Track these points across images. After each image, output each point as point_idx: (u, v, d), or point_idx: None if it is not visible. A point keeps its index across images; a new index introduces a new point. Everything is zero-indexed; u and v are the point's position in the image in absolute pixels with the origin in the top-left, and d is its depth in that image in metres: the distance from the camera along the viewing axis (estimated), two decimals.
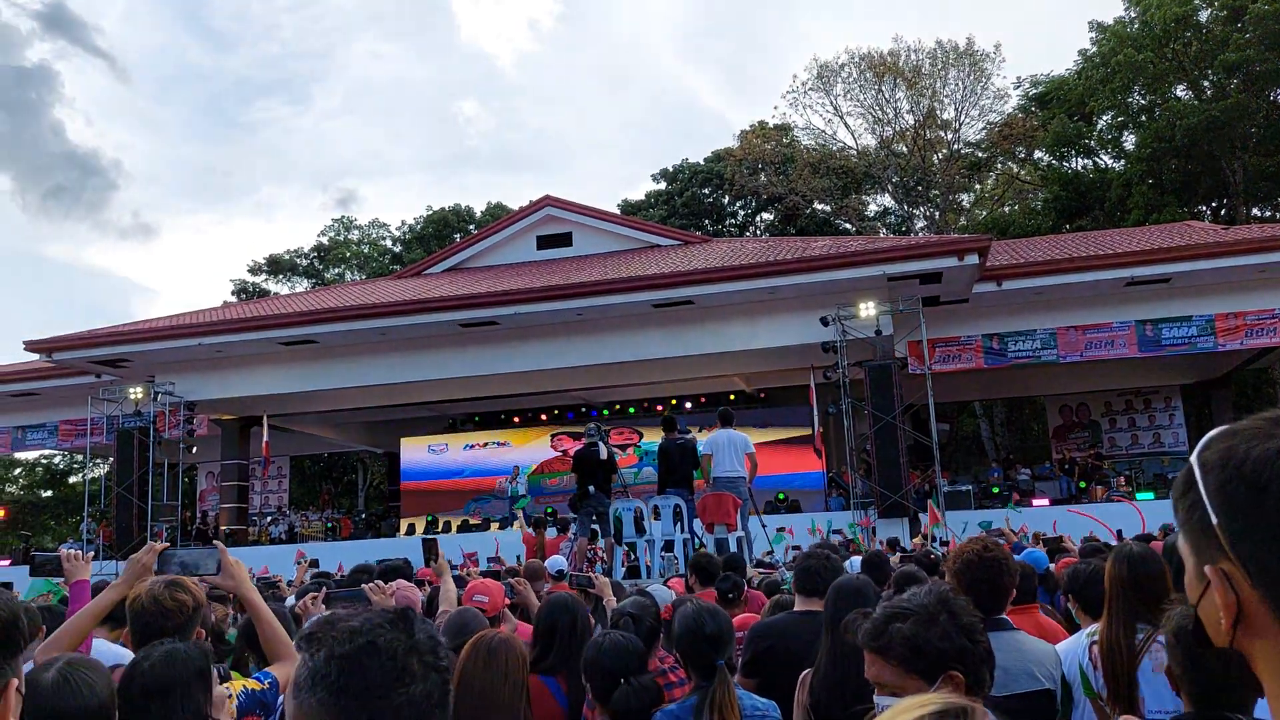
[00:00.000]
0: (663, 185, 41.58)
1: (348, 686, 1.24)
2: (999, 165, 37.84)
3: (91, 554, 4.20)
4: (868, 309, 17.49)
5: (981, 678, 2.03)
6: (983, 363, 19.53)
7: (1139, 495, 18.56)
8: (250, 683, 3.14)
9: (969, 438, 32.53)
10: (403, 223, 44.93)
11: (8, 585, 12.31)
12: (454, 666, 1.34)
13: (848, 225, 37.87)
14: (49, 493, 40.24)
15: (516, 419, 26.06)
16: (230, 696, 3.00)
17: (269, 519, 25.63)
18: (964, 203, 39.35)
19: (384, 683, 1.24)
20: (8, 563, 23.02)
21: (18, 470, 40.39)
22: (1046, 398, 25.01)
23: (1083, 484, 20.05)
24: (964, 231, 33.12)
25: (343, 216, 50.72)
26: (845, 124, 39.09)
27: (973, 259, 17.05)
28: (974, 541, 3.75)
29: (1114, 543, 9.84)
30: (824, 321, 17.74)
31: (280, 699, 3.14)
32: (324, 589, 4.31)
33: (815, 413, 19.54)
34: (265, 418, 22.98)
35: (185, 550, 3.37)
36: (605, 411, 25.26)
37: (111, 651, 3.54)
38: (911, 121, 36.81)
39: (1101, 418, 24.23)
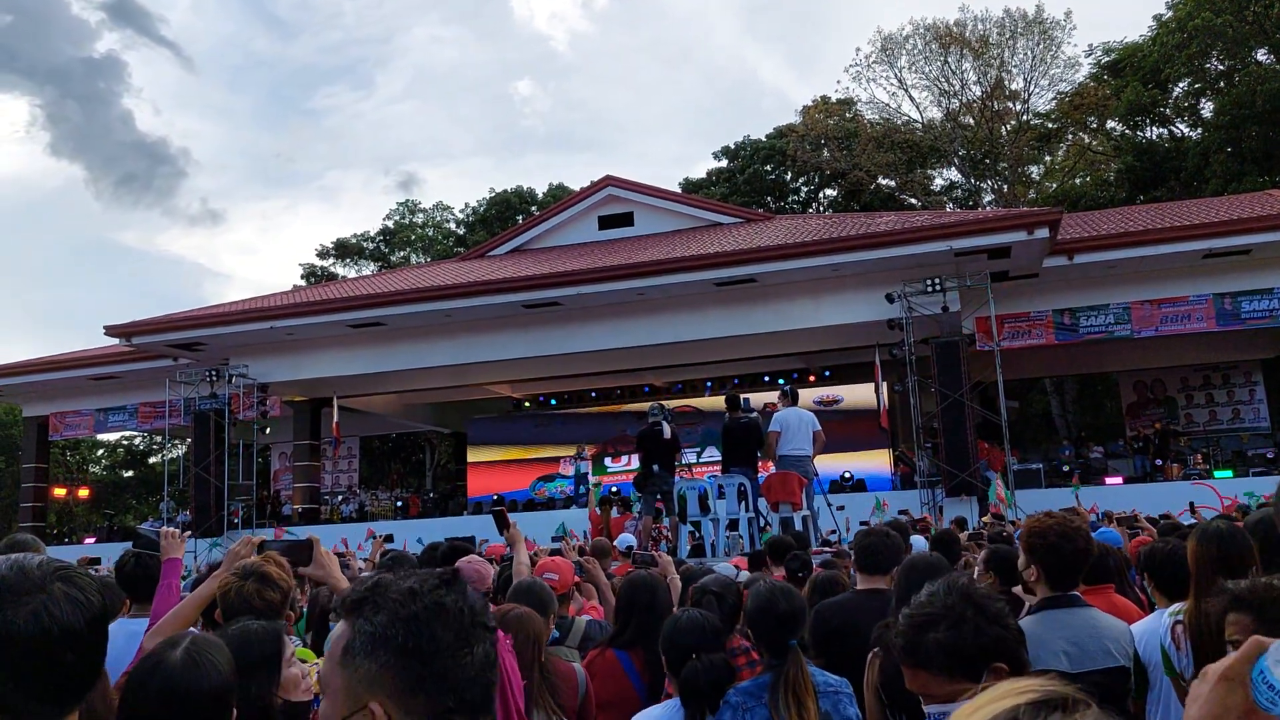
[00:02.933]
0: (724, 163, 41.31)
1: (416, 648, 1.22)
2: (1070, 136, 36.84)
3: (188, 533, 4.31)
4: (934, 284, 17.21)
5: (1022, 660, 2.01)
6: (1053, 339, 19.11)
7: (1216, 473, 18.05)
8: None
9: (1039, 415, 31.91)
10: (466, 205, 45.40)
11: (95, 560, 12.75)
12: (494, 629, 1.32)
13: (913, 200, 37.25)
14: (130, 473, 41.61)
15: (580, 399, 26.23)
16: (314, 673, 3.09)
17: (340, 498, 26.20)
18: (1033, 175, 38.45)
19: (453, 644, 1.23)
20: (93, 539, 23.92)
21: (100, 451, 41.81)
22: (1120, 374, 24.41)
23: (1158, 462, 19.55)
24: (1034, 205, 32.35)
25: (407, 200, 51.38)
26: (910, 97, 38.40)
27: (1043, 233, 16.67)
28: (1049, 515, 3.68)
29: (1190, 521, 9.60)
30: (889, 298, 17.52)
31: None
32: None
33: (881, 391, 19.34)
34: (335, 399, 23.45)
35: (280, 542, 3.42)
36: (669, 391, 25.29)
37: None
38: (978, 93, 36.02)
39: (1178, 393, 23.58)
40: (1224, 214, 18.42)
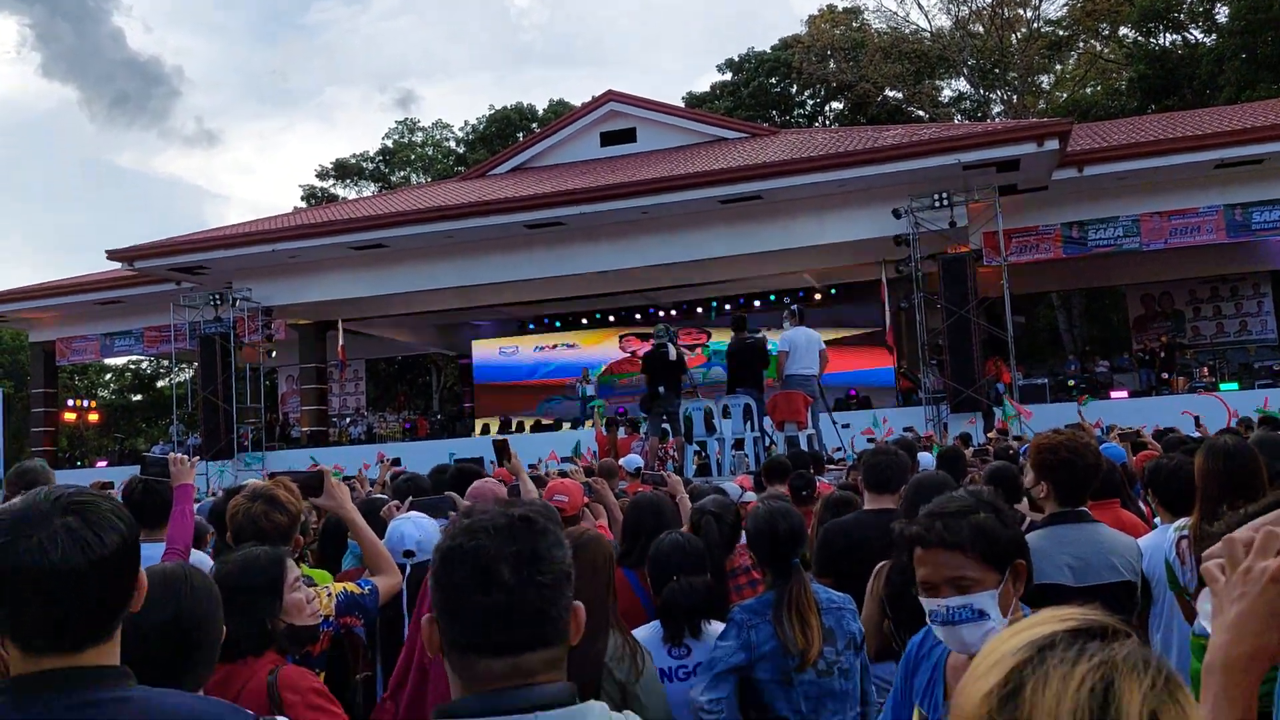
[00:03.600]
0: (728, 76, 40.51)
1: (440, 582, 1.33)
2: (1081, 44, 35.95)
3: (196, 458, 4.39)
4: (942, 199, 17.01)
5: (1030, 567, 2.10)
6: (1061, 253, 18.95)
7: (1223, 386, 18.05)
8: (352, 586, 3.26)
9: (1045, 331, 31.83)
10: (465, 123, 44.74)
11: (109, 484, 12.87)
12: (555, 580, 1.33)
13: (921, 113, 36.57)
14: (139, 397, 41.88)
15: (585, 320, 26.18)
16: (330, 596, 3.13)
17: (348, 420, 26.39)
18: (1043, 85, 37.65)
19: (464, 585, 1.30)
20: (105, 463, 24.19)
21: (108, 375, 42.03)
22: (1127, 287, 24.26)
23: (1164, 375, 19.54)
24: (1043, 115, 31.75)
25: (406, 119, 50.65)
26: (918, 4, 37.47)
27: (1052, 144, 16.40)
28: (1056, 432, 3.69)
29: (1196, 435, 9.62)
30: (896, 214, 17.35)
31: (377, 606, 3.28)
32: (409, 498, 4.40)
33: (887, 308, 19.27)
34: (340, 322, 23.45)
35: (290, 472, 3.51)
36: (673, 311, 25.22)
37: (201, 559, 3.73)
38: (988, 0, 35.07)
39: (1186, 306, 23.47)
40: (1236, 123, 18.08)
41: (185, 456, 3.70)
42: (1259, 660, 1.14)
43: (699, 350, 24.10)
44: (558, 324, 26.61)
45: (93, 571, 1.43)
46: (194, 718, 1.52)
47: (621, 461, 9.05)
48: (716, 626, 3.24)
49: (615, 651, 2.85)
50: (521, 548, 1.32)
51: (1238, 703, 1.14)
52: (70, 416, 28.50)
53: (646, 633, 3.26)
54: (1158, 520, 4.15)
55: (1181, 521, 3.69)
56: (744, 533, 4.41)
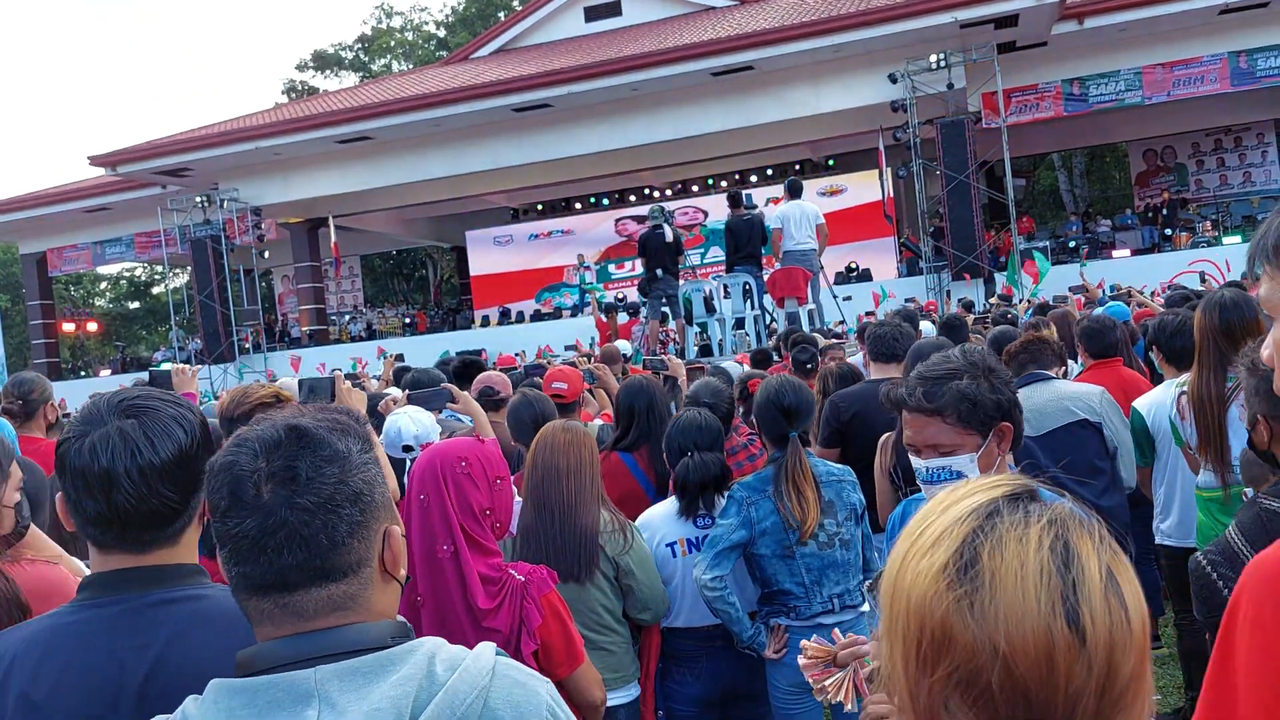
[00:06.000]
0: None
1: (210, 504, 1.18)
2: None
3: (198, 366, 4.42)
4: (939, 60, 16.56)
5: (1020, 425, 2.12)
6: (1062, 110, 18.53)
7: (1224, 238, 17.90)
8: None
9: (1046, 192, 31.44)
10: (444, 4, 43.26)
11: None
12: (321, 502, 1.14)
13: None
14: (136, 304, 41.79)
15: (579, 205, 25.83)
16: None
17: (347, 318, 26.37)
18: None
19: (217, 507, 1.15)
20: (108, 372, 24.29)
21: (103, 284, 41.85)
22: (1129, 143, 23.83)
23: (1167, 232, 19.37)
24: None
25: (383, 3, 48.83)
26: None
27: None
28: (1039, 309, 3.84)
29: (1199, 288, 9.57)
30: (892, 78, 16.94)
31: None
32: (405, 390, 4.36)
33: (885, 177, 18.96)
34: (331, 218, 23.18)
35: (313, 378, 3.49)
36: (668, 192, 24.85)
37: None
38: None
39: (1189, 159, 23.09)
40: None
41: (186, 366, 3.70)
42: None
43: (696, 230, 23.84)
44: (551, 210, 26.26)
45: (141, 477, 1.44)
46: None
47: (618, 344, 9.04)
48: None
49: (605, 527, 2.96)
50: (277, 465, 1.13)
51: None
52: (69, 328, 28.48)
53: (670, 506, 3.35)
54: (1164, 377, 4.16)
55: (1182, 378, 3.69)
56: (741, 409, 4.41)
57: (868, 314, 13.69)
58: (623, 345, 7.73)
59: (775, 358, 7.15)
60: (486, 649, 1.17)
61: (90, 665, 1.41)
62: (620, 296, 20.10)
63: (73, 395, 18.78)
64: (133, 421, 1.46)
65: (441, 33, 42.07)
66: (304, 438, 1.16)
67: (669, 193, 24.69)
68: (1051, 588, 0.80)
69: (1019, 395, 3.34)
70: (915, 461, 2.07)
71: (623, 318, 15.15)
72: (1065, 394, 3.84)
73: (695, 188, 24.70)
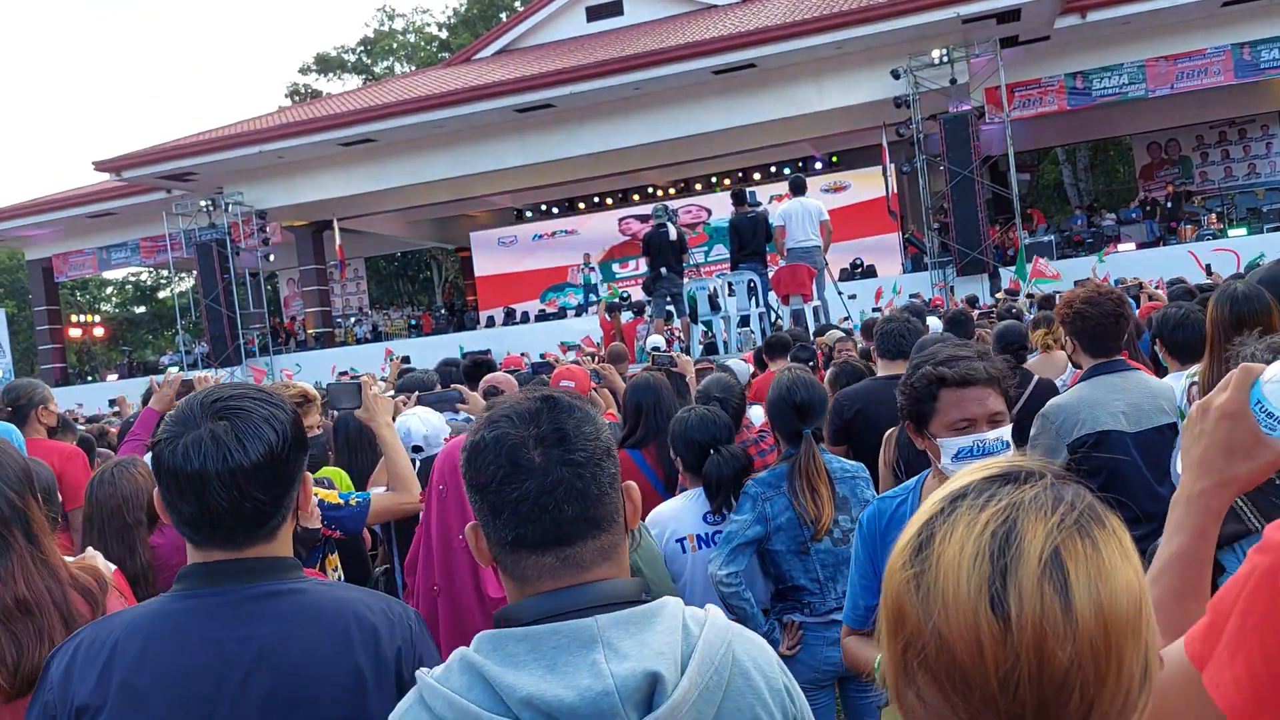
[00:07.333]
0: None
1: (472, 483, 1.26)
2: None
3: (221, 374, 4.38)
4: (942, 56, 16.55)
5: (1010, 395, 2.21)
6: (1065, 104, 18.49)
7: (1230, 230, 17.85)
8: (329, 495, 3.07)
9: (1051, 186, 31.38)
10: (446, 5, 43.29)
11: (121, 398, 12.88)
12: (589, 457, 1.26)
13: None
14: (142, 309, 41.86)
15: (582, 205, 25.82)
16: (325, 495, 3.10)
17: (352, 320, 26.39)
18: None
19: (493, 479, 1.23)
20: (115, 376, 24.33)
21: (109, 289, 41.91)
22: (1133, 137, 23.78)
23: (1172, 225, 19.31)
24: None
25: (384, 5, 48.90)
26: None
27: None
28: (1082, 288, 3.72)
29: (1205, 281, 9.55)
30: (895, 74, 16.95)
31: (361, 524, 3.16)
32: (416, 393, 4.37)
33: (889, 173, 18.95)
34: (335, 221, 23.21)
35: (333, 383, 3.43)
36: (671, 190, 24.84)
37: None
38: None
39: (1193, 152, 23.03)
40: None
41: (209, 374, 3.70)
42: (1223, 492, 1.18)
43: (700, 229, 23.82)
44: (555, 211, 26.25)
45: (232, 479, 1.46)
46: (366, 607, 1.55)
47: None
48: None
49: None
50: (545, 429, 1.24)
51: (1186, 532, 1.19)
52: (75, 333, 28.54)
53: (687, 503, 3.34)
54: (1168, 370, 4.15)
55: (1194, 369, 3.68)
56: (752, 406, 4.41)
57: (874, 310, 13.67)
58: (655, 340, 7.71)
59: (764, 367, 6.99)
60: (715, 610, 1.27)
61: (193, 655, 1.44)
62: (624, 296, 20.11)
63: (81, 399, 18.84)
64: (225, 424, 1.47)
65: (443, 34, 42.11)
66: (558, 404, 1.27)
67: (672, 191, 24.68)
68: (980, 572, 0.78)
69: (1097, 382, 3.43)
70: (961, 441, 2.07)
71: (627, 316, 15.13)
72: (1156, 390, 3.55)
73: (698, 186, 24.69)
